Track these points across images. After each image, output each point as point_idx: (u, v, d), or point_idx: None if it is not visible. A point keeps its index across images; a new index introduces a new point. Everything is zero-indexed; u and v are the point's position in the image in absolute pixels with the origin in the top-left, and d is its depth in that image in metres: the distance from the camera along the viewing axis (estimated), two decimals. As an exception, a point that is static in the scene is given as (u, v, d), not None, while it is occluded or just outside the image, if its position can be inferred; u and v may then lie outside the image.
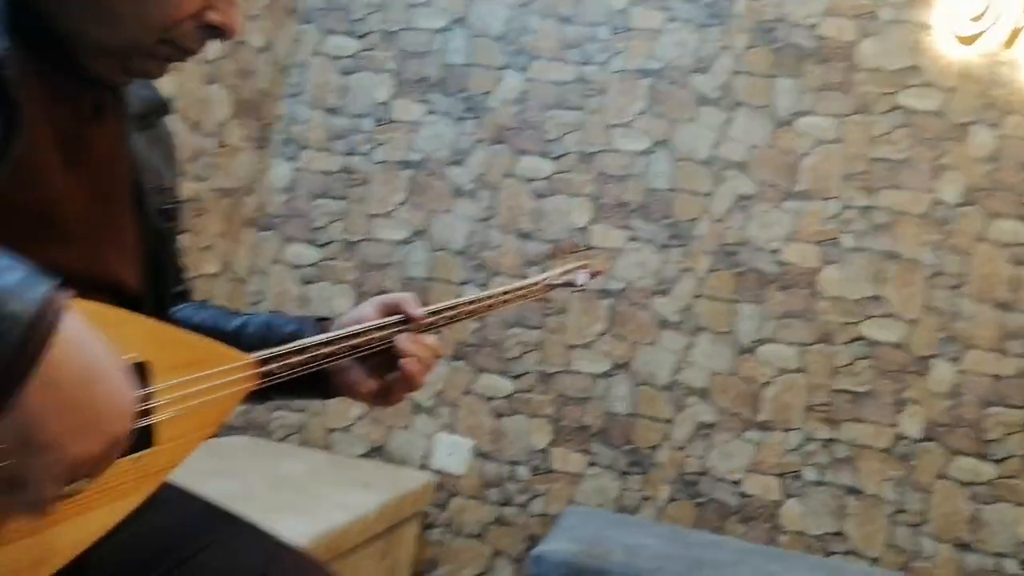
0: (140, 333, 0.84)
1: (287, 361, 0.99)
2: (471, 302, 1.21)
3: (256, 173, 2.62)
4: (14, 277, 0.62)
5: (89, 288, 0.92)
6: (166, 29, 0.88)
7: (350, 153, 2.69)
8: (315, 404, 2.65)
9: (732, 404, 2.47)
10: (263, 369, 0.97)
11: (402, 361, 1.06)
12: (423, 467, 2.60)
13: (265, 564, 1.04)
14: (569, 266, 1.51)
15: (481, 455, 2.58)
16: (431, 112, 2.65)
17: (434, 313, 1.15)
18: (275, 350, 0.98)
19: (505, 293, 1.29)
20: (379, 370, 1.10)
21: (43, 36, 0.87)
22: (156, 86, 1.09)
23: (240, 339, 1.10)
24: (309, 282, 2.70)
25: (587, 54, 2.57)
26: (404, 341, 1.07)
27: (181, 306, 1.23)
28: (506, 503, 2.56)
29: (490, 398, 2.58)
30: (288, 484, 2.11)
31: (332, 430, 2.66)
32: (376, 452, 2.63)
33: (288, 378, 1.00)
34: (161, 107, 1.10)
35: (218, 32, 0.88)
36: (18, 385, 0.61)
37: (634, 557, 2.07)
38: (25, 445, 0.63)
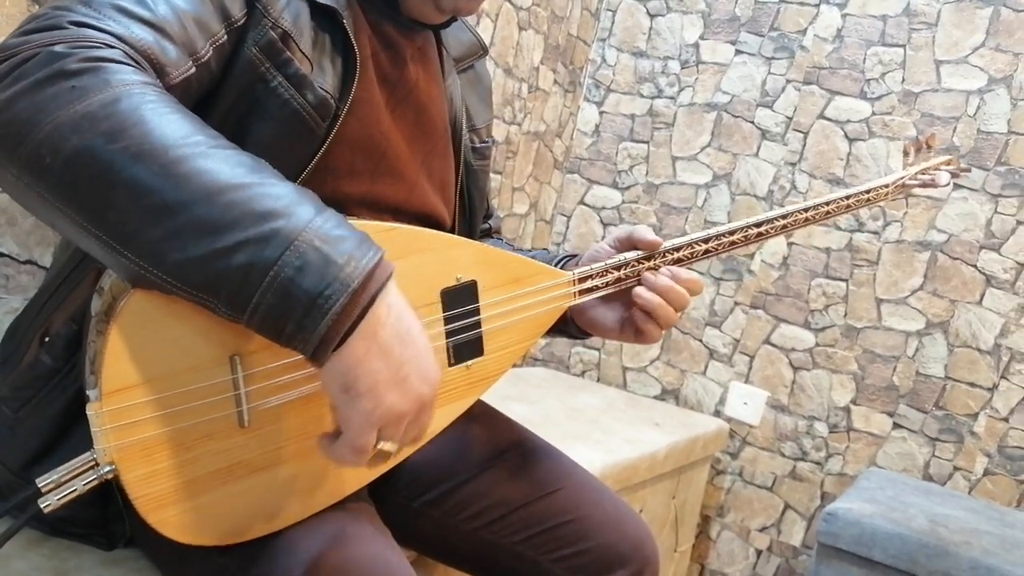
0: (468, 255, 0.91)
1: (606, 278, 1.01)
2: (805, 209, 1.13)
3: (565, 117, 2.70)
4: (350, 245, 0.69)
5: (408, 219, 1.01)
6: None
7: (656, 96, 2.69)
8: (613, 343, 2.71)
9: (1069, 374, 2.21)
10: (582, 287, 1.00)
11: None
12: (716, 414, 2.59)
13: (559, 480, 1.11)
14: (930, 162, 1.34)
15: (776, 407, 2.51)
16: (740, 52, 2.57)
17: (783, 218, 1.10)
18: (594, 267, 1.01)
19: (848, 198, 1.18)
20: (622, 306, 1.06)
21: None
22: (475, 30, 1.16)
23: None
24: (610, 224, 2.75)
25: (917, -15, 2.36)
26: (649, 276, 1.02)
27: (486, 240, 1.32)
28: (801, 458, 2.48)
29: (790, 350, 2.50)
30: (582, 416, 2.17)
31: (628, 369, 2.71)
32: (669, 395, 2.65)
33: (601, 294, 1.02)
34: (479, 49, 1.17)
35: None
36: (348, 333, 0.68)
37: (938, 527, 1.93)
38: (346, 391, 0.69)
